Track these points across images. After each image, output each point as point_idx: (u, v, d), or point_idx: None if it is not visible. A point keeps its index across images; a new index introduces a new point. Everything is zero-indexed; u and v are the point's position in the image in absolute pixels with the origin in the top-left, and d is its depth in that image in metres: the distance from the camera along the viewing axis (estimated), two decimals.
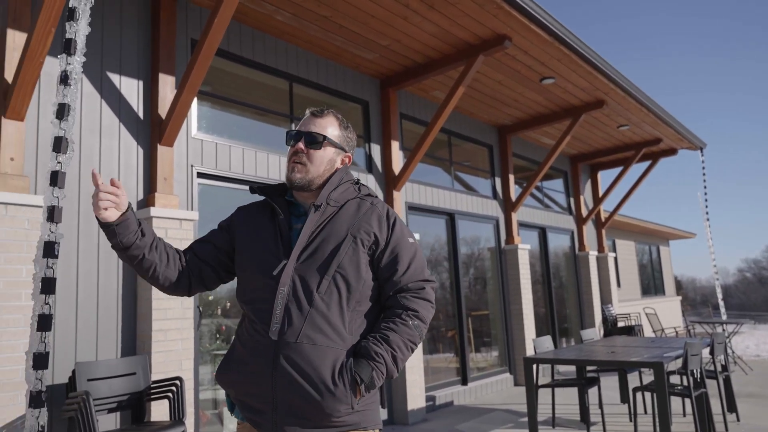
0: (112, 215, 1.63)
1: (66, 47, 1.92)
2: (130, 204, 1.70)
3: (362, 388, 1.60)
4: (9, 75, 3.87)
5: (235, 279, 1.86)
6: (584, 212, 11.58)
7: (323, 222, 1.75)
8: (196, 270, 1.83)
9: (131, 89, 4.68)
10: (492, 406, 7.13)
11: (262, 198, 1.88)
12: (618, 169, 11.78)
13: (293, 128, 1.87)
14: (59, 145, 1.93)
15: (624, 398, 6.74)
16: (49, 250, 1.84)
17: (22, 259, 3.69)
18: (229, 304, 5.30)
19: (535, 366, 5.49)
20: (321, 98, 6.46)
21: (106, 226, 1.65)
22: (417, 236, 1.74)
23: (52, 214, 1.86)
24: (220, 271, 1.87)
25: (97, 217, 1.64)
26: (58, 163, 1.93)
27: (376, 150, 6.89)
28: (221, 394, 5.08)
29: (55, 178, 1.89)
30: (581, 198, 11.49)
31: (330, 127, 1.83)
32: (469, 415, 6.66)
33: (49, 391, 3.76)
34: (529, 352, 8.65)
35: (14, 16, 3.94)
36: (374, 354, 1.61)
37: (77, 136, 4.26)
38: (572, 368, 9.27)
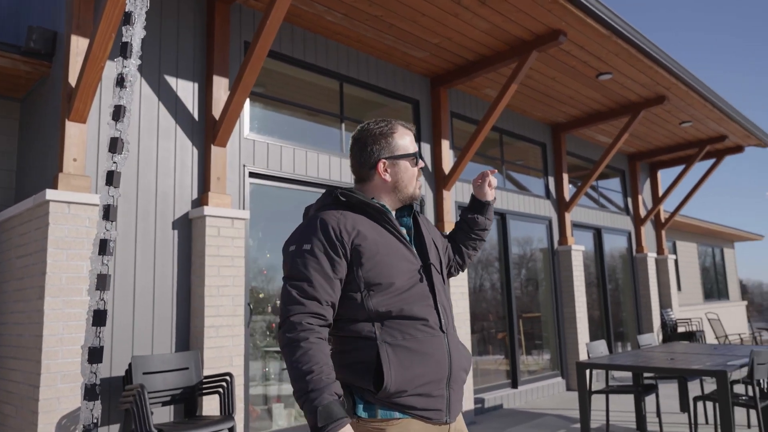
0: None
1: (122, 50, 1.96)
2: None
3: None
4: (72, 79, 4.04)
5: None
6: (642, 213, 11.16)
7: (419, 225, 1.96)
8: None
9: (187, 91, 4.81)
10: (543, 411, 6.97)
11: (332, 206, 1.86)
12: (679, 168, 11.29)
13: (414, 141, 2.05)
14: (115, 145, 1.98)
15: (684, 407, 6.45)
16: (104, 247, 1.88)
17: (82, 256, 3.84)
18: (279, 302, 5.37)
19: (588, 371, 5.33)
20: (371, 98, 6.47)
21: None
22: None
23: (108, 213, 1.91)
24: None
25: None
26: (114, 163, 1.97)
27: (426, 149, 6.84)
28: (271, 390, 5.16)
29: (111, 178, 1.94)
30: (639, 198, 11.08)
31: None
32: (519, 420, 6.52)
33: (107, 384, 3.91)
34: (583, 356, 8.41)
35: (77, 22, 4.11)
36: None
37: (135, 138, 4.41)
38: (628, 374, 8.95)
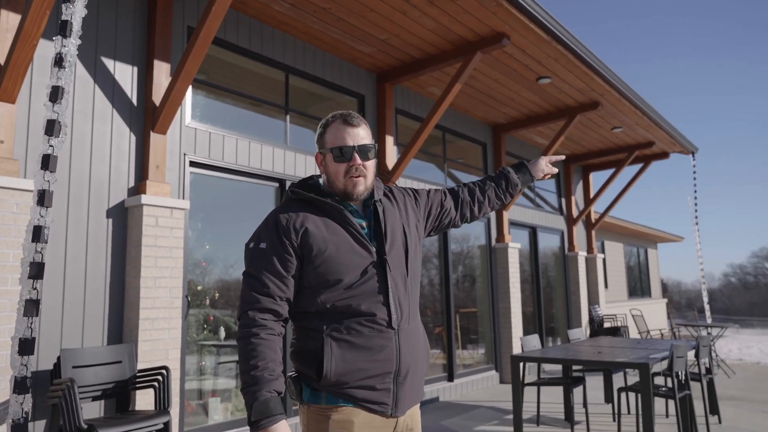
0: None
1: (61, 29, 1.88)
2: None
3: None
4: (1, 57, 3.81)
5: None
6: (575, 213, 11.63)
7: (383, 214, 1.89)
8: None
9: (125, 75, 4.63)
10: (477, 403, 7.16)
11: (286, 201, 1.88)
12: (610, 171, 11.83)
13: (342, 139, 1.84)
14: (52, 128, 1.90)
15: (608, 398, 6.79)
16: (38, 234, 1.81)
17: (9, 243, 3.64)
18: (217, 294, 5.28)
19: (521, 364, 5.52)
20: (317, 90, 6.43)
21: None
22: None
23: (43, 198, 1.83)
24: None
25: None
26: (50, 146, 1.90)
27: None
28: (207, 384, 5.06)
29: (47, 162, 1.86)
30: (572, 199, 11.54)
31: (369, 134, 1.88)
32: (455, 412, 6.68)
33: (34, 378, 3.72)
34: (516, 350, 8.69)
35: None
36: None
37: (69, 120, 4.21)
38: (558, 367, 9.32)
